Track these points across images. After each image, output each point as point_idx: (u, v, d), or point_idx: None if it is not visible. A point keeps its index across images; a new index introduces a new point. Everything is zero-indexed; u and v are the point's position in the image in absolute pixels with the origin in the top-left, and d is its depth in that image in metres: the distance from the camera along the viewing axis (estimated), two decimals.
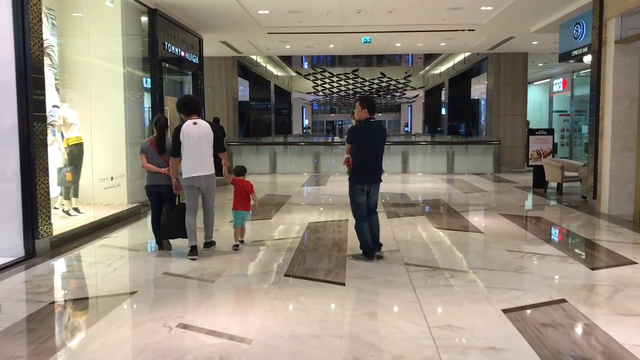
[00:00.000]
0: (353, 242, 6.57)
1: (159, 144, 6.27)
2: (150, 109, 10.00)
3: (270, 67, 25.01)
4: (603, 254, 6.26)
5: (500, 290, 4.85)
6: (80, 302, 4.75)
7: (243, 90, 23.88)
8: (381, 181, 5.94)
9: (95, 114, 8.58)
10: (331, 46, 15.69)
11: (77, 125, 8.05)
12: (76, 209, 8.09)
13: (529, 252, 6.39)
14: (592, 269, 5.59)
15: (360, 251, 6.00)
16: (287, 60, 27.18)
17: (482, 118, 26.00)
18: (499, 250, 6.44)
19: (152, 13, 9.86)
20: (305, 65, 30.62)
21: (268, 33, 13.14)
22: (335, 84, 26.91)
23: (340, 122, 49.98)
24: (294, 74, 29.75)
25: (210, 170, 6.07)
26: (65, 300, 4.81)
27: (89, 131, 8.21)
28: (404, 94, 29.58)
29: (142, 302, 4.65)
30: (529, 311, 4.31)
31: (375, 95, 30.15)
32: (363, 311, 4.36)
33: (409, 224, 8.22)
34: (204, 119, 6.18)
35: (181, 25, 11.26)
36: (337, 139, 28.28)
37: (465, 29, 13.09)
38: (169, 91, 18.30)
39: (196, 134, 5.91)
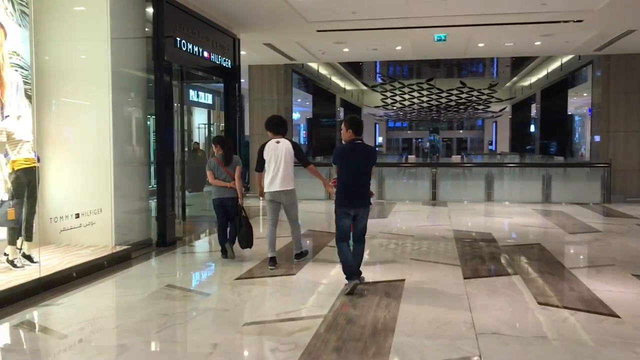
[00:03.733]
0: (403, 334, 3.94)
1: (226, 159, 6.81)
2: (154, 121, 7.80)
3: (335, 79, 22.63)
4: None
5: None
6: None
7: (308, 106, 21.74)
8: (370, 204, 5.56)
9: (56, 128, 6.45)
10: (398, 48, 13.02)
11: (30, 142, 5.91)
12: (28, 257, 5.94)
13: None
14: None
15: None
16: (357, 71, 24.77)
17: (576, 135, 22.41)
18: None
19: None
20: (379, 79, 27.95)
21: (317, 31, 10.71)
22: (407, 96, 23.94)
23: (420, 140, 46.64)
24: (364, 87, 27.21)
25: (290, 185, 6.38)
26: None
27: (41, 152, 6.04)
28: (488, 107, 26.12)
29: None
30: None
31: (455, 109, 26.92)
32: None
33: (495, 292, 5.44)
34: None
35: (203, 18, 9.02)
36: (412, 157, 25.42)
37: (570, 20, 10.08)
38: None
39: (278, 152, 6.32)
